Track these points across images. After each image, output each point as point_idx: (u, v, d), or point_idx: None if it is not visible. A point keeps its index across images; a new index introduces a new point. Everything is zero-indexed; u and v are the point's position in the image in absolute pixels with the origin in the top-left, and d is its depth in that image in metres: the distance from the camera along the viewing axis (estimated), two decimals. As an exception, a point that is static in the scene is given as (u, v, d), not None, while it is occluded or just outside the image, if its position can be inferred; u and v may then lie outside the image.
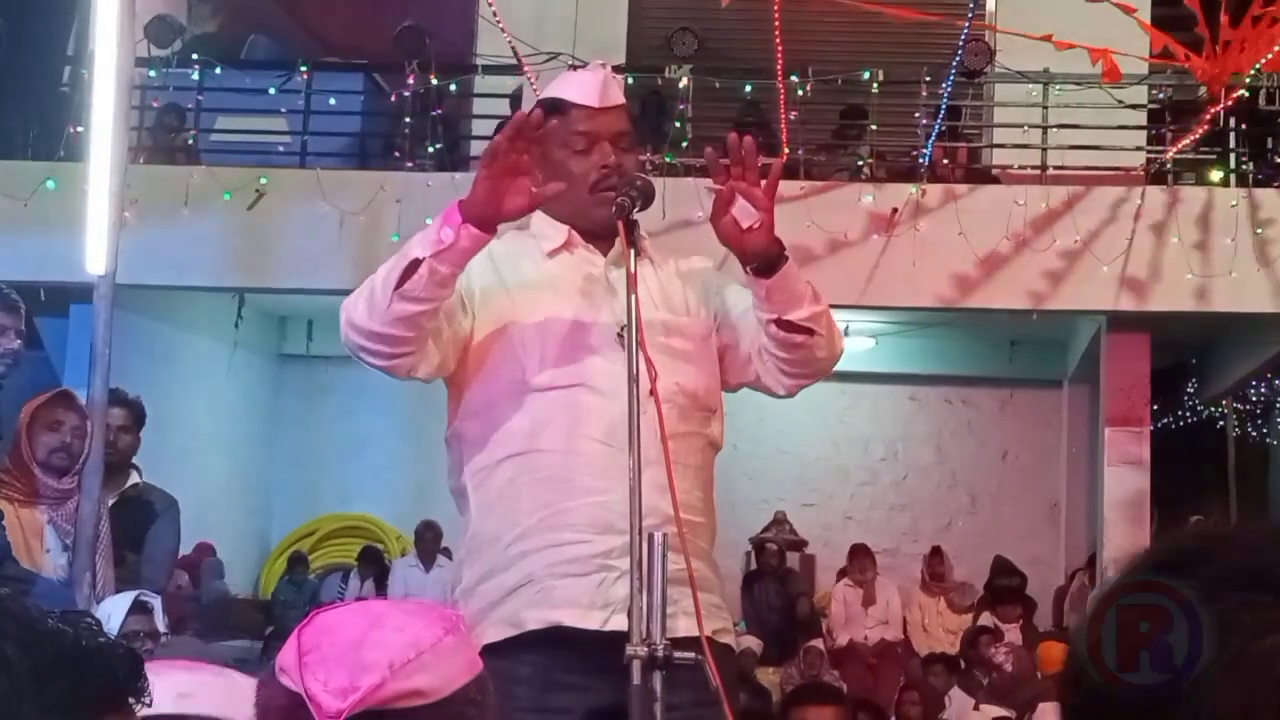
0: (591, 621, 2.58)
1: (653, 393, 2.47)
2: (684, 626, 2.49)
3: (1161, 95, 10.34)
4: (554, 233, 2.81)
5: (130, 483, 5.16)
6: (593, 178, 2.73)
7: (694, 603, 2.49)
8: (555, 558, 2.62)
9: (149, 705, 1.30)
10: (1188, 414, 12.99)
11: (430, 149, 9.72)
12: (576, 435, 2.65)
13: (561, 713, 2.59)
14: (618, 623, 2.50)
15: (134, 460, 5.25)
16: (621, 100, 2.85)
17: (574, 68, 3.46)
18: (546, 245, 2.81)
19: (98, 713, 1.22)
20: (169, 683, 1.77)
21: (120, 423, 5.13)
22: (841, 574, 10.99)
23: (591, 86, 2.79)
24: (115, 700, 1.25)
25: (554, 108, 2.77)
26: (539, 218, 2.85)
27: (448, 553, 11.11)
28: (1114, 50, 8.66)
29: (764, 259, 2.61)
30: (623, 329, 2.58)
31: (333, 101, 10.42)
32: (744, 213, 2.58)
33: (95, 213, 4.80)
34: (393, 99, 10.22)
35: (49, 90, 10.16)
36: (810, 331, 2.66)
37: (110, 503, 5.06)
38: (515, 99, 9.67)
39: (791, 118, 9.77)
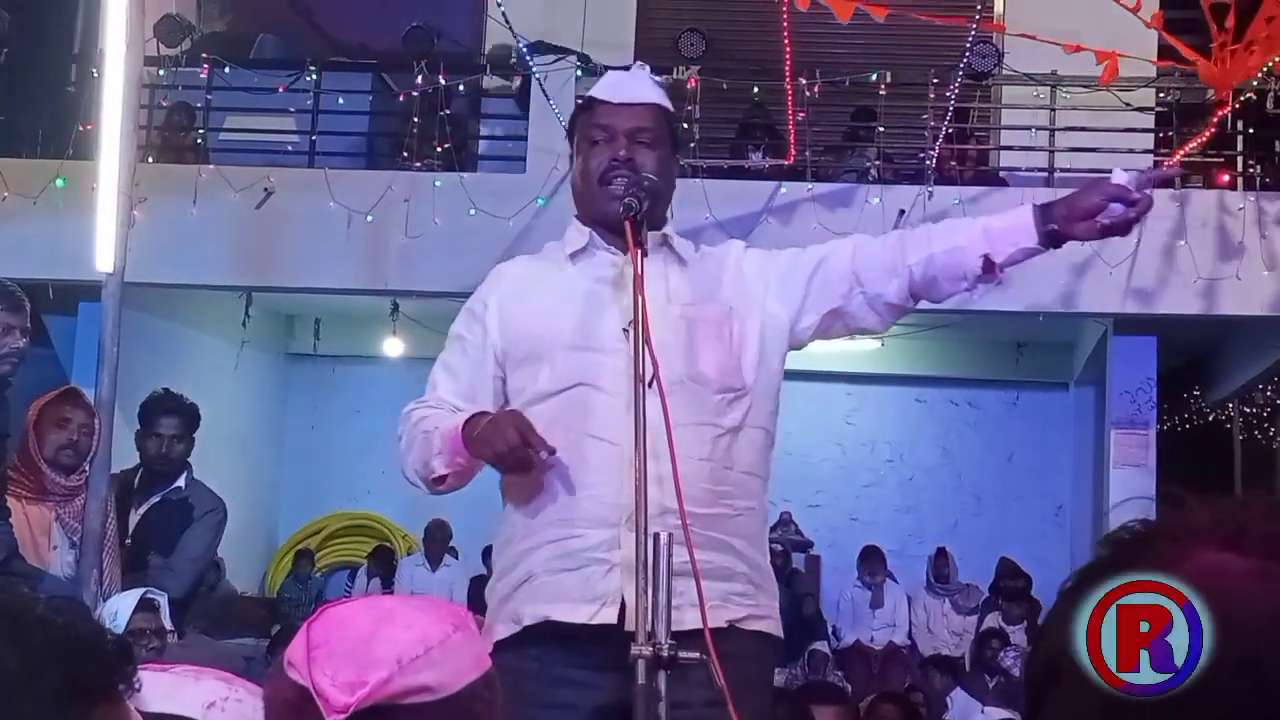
0: (579, 615, 2.61)
1: (654, 384, 2.48)
2: (693, 619, 2.46)
3: (1169, 98, 10.31)
4: (578, 235, 2.88)
5: (174, 485, 5.09)
6: (601, 169, 2.79)
7: (698, 595, 2.48)
8: (553, 553, 2.67)
9: (139, 691, 1.29)
10: (1194, 417, 12.96)
11: (438, 149, 9.72)
12: (581, 434, 2.68)
13: (566, 708, 2.60)
14: (606, 616, 2.57)
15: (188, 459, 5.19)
16: (651, 99, 2.89)
17: (581, 68, 3.55)
18: (569, 247, 2.87)
19: (90, 702, 1.20)
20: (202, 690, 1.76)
21: (174, 432, 5.09)
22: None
23: (615, 83, 2.90)
24: (107, 689, 1.23)
25: (585, 105, 2.90)
26: (572, 221, 2.94)
27: (454, 552, 11.10)
28: (1121, 53, 8.64)
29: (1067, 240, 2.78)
30: (627, 325, 2.61)
31: (341, 101, 10.40)
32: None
33: (104, 211, 4.81)
34: (401, 99, 10.22)
35: (58, 88, 10.17)
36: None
37: (152, 503, 5.06)
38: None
39: (799, 119, 9.76)
